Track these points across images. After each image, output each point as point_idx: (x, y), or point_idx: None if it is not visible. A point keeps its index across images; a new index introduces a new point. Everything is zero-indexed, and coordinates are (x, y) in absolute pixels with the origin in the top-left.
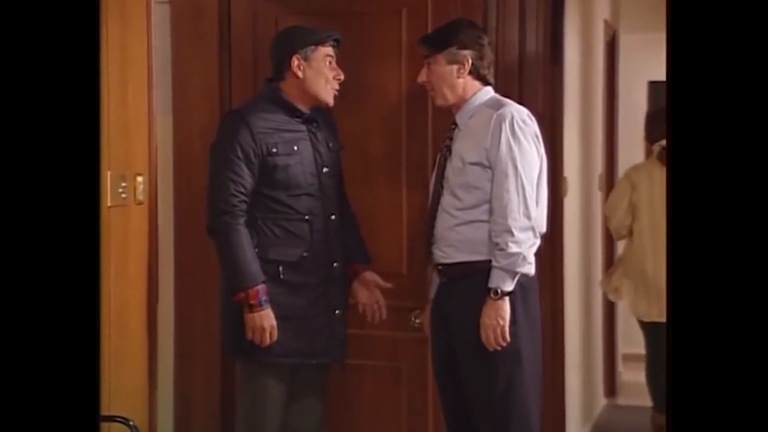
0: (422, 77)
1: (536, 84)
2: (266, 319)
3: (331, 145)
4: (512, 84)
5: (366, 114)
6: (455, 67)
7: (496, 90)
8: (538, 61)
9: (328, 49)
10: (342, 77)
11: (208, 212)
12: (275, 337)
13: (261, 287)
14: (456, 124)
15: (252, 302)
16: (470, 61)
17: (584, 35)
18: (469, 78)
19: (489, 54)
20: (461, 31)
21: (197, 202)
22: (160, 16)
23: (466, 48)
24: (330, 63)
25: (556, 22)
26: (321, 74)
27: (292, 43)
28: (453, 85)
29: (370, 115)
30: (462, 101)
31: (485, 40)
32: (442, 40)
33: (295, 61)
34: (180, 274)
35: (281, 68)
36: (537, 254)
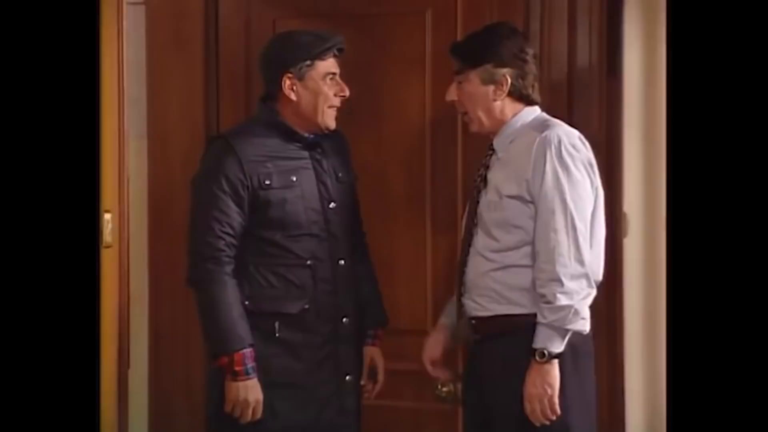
0: (451, 95)
1: (589, 101)
2: (252, 390)
3: (340, 175)
4: (560, 101)
5: (382, 138)
6: (491, 87)
7: (542, 109)
8: (591, 74)
9: (329, 64)
10: (347, 93)
11: (189, 259)
12: (259, 414)
13: (248, 351)
14: (493, 150)
15: (237, 369)
16: (509, 81)
17: (648, 41)
18: (507, 100)
19: (533, 70)
20: (500, 44)
21: (177, 244)
22: (134, 18)
23: (504, 66)
24: (331, 79)
25: (614, 26)
26: (319, 95)
27: (281, 58)
28: (489, 108)
29: (387, 140)
30: (501, 124)
31: (529, 54)
32: (475, 54)
33: (286, 82)
34: (156, 333)
35: (272, 88)
36: (592, 307)
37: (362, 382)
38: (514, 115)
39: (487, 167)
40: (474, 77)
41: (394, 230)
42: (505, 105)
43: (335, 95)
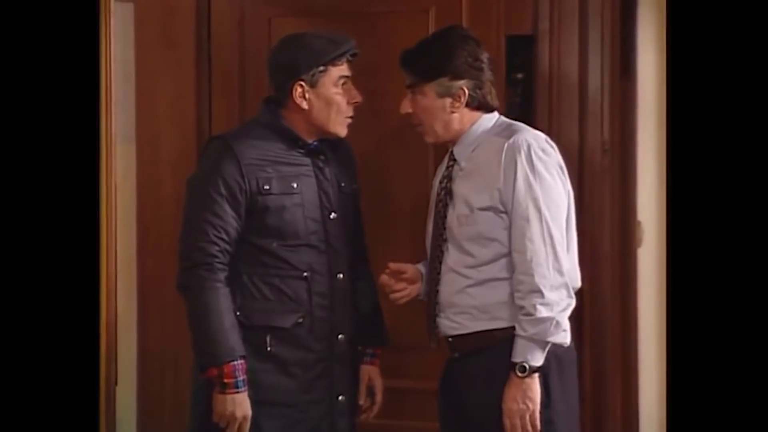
0: (405, 108)
1: (601, 104)
2: (240, 405)
3: (343, 185)
4: (570, 105)
5: (382, 143)
6: (448, 100)
7: (550, 114)
8: (603, 76)
9: (342, 68)
10: (359, 100)
11: (180, 263)
12: (246, 431)
13: (239, 363)
14: (455, 160)
15: (226, 381)
16: (467, 92)
17: (664, 40)
18: (465, 110)
19: (489, 77)
20: (454, 54)
21: (167, 254)
22: (122, 17)
23: (460, 78)
24: (344, 85)
25: (627, 25)
26: (331, 103)
27: (292, 65)
28: (446, 121)
29: (387, 145)
30: (459, 134)
31: (484, 61)
32: (429, 68)
33: (297, 89)
34: (144, 348)
35: (282, 94)
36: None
37: (360, 402)
38: (473, 123)
39: (451, 179)
40: (429, 91)
41: (395, 241)
42: (463, 116)
43: (348, 103)
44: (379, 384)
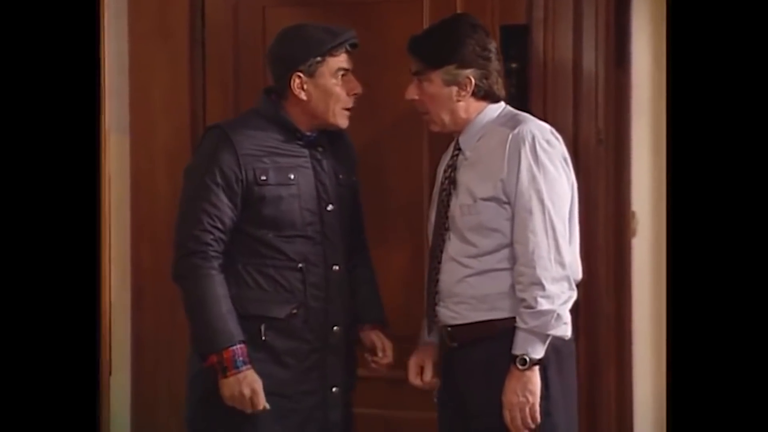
0: (411, 94)
1: (596, 94)
2: (246, 382)
3: (341, 177)
4: (565, 94)
5: (378, 134)
6: (454, 88)
7: (545, 104)
8: (598, 65)
9: (341, 59)
10: (360, 91)
11: (175, 252)
12: (261, 402)
13: (238, 348)
14: (460, 149)
15: (226, 365)
16: (473, 81)
17: (658, 30)
18: (471, 99)
19: (496, 67)
20: (462, 43)
21: (161, 245)
22: (115, 7)
23: (468, 66)
24: (343, 76)
25: (622, 15)
26: (330, 94)
27: (290, 56)
28: (452, 109)
29: (383, 136)
30: (465, 123)
31: (492, 51)
32: (436, 55)
33: (295, 80)
34: (138, 337)
35: (281, 85)
36: (598, 312)
37: (372, 358)
38: (479, 113)
39: (455, 168)
40: (436, 78)
41: (391, 233)
42: (469, 105)
43: (348, 94)
44: (386, 343)
